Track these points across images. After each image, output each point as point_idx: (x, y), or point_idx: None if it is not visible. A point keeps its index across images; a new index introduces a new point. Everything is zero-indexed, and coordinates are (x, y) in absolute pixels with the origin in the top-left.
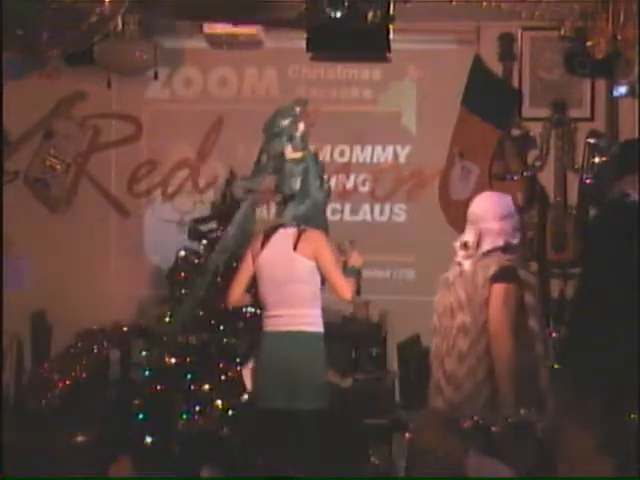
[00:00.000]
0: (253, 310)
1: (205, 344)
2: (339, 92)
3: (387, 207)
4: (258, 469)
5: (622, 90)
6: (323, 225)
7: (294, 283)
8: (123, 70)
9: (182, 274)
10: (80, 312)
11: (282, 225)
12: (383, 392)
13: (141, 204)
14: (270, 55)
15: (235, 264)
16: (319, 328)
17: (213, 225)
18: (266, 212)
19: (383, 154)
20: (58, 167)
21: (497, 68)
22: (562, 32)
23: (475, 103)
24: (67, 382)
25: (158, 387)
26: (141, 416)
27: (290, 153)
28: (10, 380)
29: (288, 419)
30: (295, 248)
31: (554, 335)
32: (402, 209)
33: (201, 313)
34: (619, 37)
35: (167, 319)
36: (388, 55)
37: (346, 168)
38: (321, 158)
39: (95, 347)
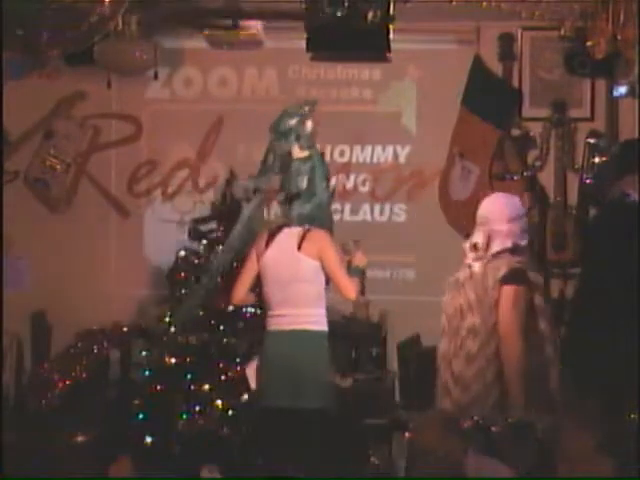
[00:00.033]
0: (253, 310)
1: (205, 344)
2: (339, 92)
3: (387, 207)
4: (258, 469)
5: (622, 90)
6: (328, 225)
7: (298, 283)
8: (123, 70)
9: (182, 274)
10: (80, 312)
11: (287, 224)
12: (383, 392)
13: (141, 204)
14: (270, 55)
15: (235, 264)
16: (323, 327)
17: (213, 225)
18: (267, 211)
19: (383, 154)
20: (58, 167)
21: (497, 68)
22: (562, 32)
23: (475, 103)
24: (67, 382)
25: (158, 387)
26: (141, 416)
27: (297, 152)
28: (10, 380)
29: (292, 418)
30: (300, 248)
31: None
32: (402, 209)
33: (201, 313)
34: (619, 37)
35: (167, 319)
36: (388, 55)
37: (346, 168)
38: None
39: (95, 347)
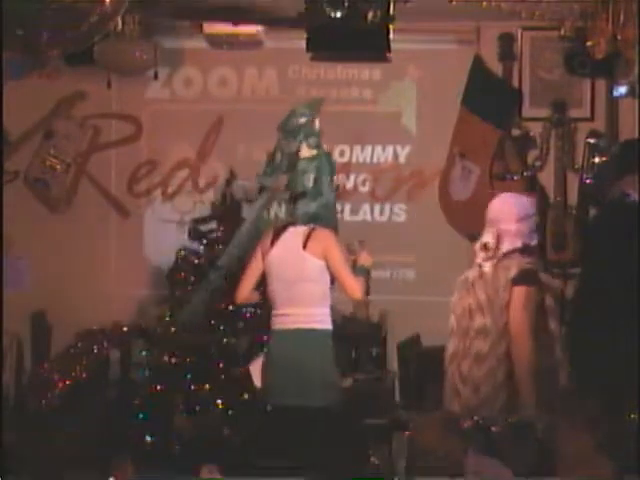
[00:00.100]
0: (253, 310)
1: (205, 344)
2: (339, 92)
3: (387, 207)
4: (258, 469)
5: (622, 90)
6: (333, 224)
7: (304, 282)
8: (123, 70)
9: (182, 274)
10: (80, 312)
11: (292, 223)
12: (383, 392)
13: (141, 204)
14: (270, 55)
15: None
16: (328, 326)
17: (213, 225)
18: (270, 210)
19: (383, 154)
20: (58, 167)
21: (497, 68)
22: (562, 32)
23: (475, 103)
24: (67, 382)
25: (158, 387)
26: (141, 416)
27: (305, 151)
28: (10, 380)
29: (297, 416)
30: (305, 247)
31: None
32: (402, 209)
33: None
34: (619, 37)
35: (167, 319)
36: (388, 55)
37: (346, 168)
38: None
39: (95, 347)
